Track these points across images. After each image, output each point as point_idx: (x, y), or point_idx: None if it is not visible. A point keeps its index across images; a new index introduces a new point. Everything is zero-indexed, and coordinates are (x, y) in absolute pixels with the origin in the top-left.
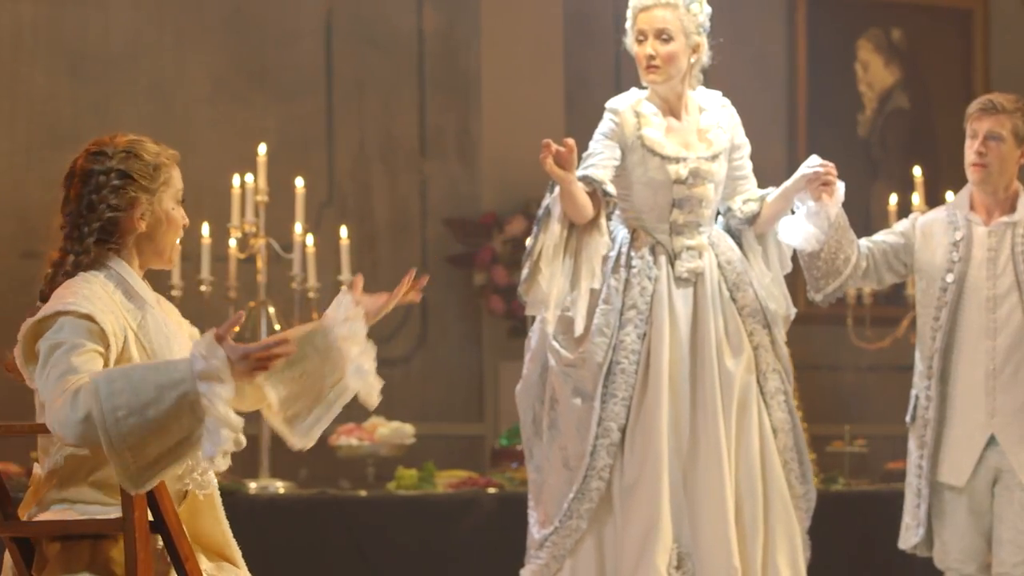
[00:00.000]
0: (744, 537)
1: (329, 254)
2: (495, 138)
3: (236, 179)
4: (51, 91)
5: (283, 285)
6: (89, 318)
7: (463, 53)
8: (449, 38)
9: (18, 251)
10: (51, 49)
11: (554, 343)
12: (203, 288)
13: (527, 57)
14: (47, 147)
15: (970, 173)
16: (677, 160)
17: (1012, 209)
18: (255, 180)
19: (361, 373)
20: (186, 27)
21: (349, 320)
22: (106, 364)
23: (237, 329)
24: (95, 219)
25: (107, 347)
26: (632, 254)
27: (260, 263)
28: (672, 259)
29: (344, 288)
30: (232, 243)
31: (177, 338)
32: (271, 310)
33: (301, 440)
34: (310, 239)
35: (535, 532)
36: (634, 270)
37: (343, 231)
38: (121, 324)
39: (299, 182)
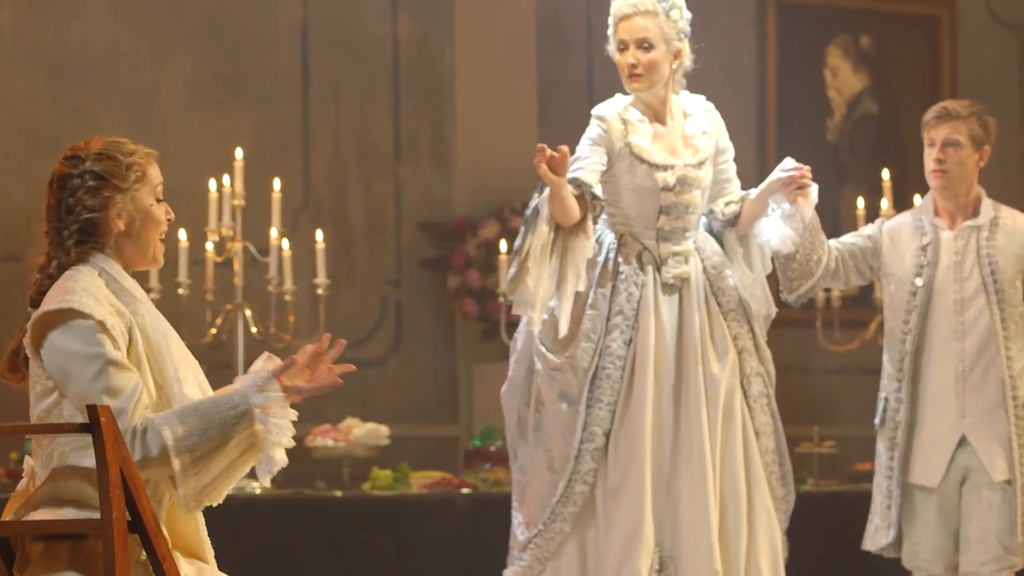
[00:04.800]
0: (727, 540)
1: (305, 257)
2: (469, 143)
3: (213, 183)
4: (31, 97)
5: (260, 288)
6: (101, 324)
7: (437, 59)
8: (423, 45)
9: None
10: (31, 56)
11: (540, 347)
12: (180, 291)
13: (501, 63)
14: (27, 152)
15: (931, 180)
16: (665, 167)
17: (975, 213)
18: (232, 184)
19: (270, 463)
20: (164, 34)
21: (271, 412)
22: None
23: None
24: (73, 221)
25: (121, 345)
26: (619, 260)
27: (237, 266)
28: (658, 265)
29: (270, 365)
30: (209, 246)
31: (173, 338)
32: (248, 312)
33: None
34: (286, 243)
35: (519, 534)
36: (621, 276)
37: (319, 235)
38: (126, 320)
39: (276, 186)
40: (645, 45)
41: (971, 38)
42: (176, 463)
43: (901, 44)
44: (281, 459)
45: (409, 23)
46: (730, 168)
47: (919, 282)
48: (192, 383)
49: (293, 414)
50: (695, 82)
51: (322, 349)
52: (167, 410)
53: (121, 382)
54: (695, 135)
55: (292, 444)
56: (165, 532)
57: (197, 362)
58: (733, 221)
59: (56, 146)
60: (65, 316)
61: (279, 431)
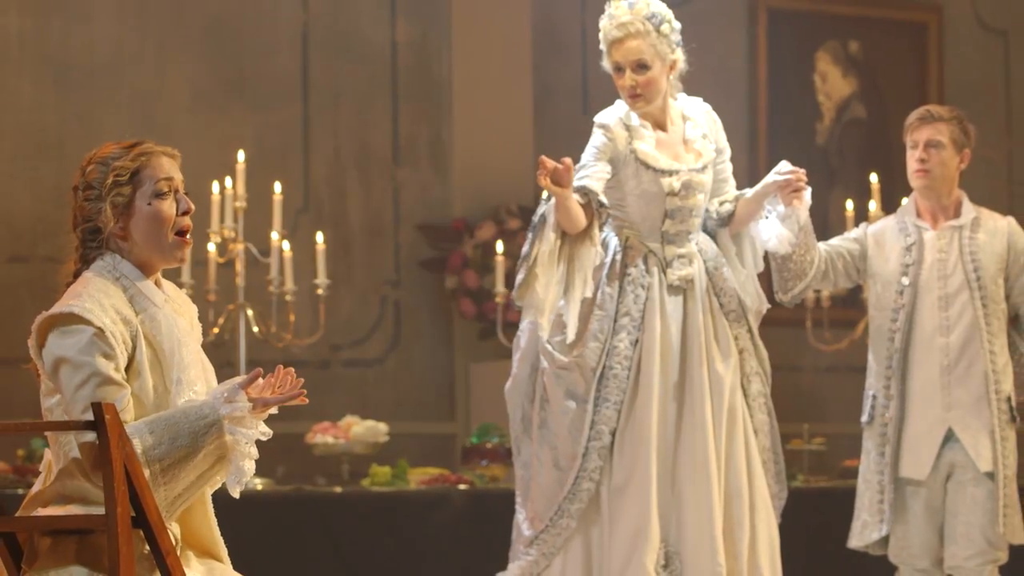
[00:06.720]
0: (732, 536)
1: (305, 258)
2: (466, 146)
3: (215, 186)
4: (37, 101)
5: (261, 288)
6: (100, 332)
7: (435, 64)
8: (421, 50)
9: (4, 256)
10: (37, 60)
11: (547, 346)
12: (183, 291)
13: (497, 67)
14: (33, 156)
15: (913, 180)
16: (670, 173)
17: (957, 214)
18: (234, 187)
19: (239, 474)
20: (167, 39)
21: (241, 423)
22: (117, 371)
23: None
24: (80, 230)
25: (117, 355)
26: (626, 263)
27: (239, 267)
28: (664, 267)
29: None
30: (211, 248)
31: (187, 343)
32: (249, 312)
33: (166, 517)
34: (287, 244)
35: (524, 530)
36: (628, 278)
37: (319, 236)
38: (132, 327)
39: (276, 189)
40: (641, 66)
41: (958, 43)
42: (146, 472)
43: (889, 49)
44: (250, 470)
45: (407, 28)
46: (727, 168)
47: (905, 281)
48: (200, 389)
49: (264, 429)
50: (687, 87)
51: (277, 375)
52: (139, 420)
53: (102, 395)
54: (696, 139)
55: (255, 456)
56: (176, 530)
57: (212, 367)
58: (727, 220)
59: (61, 149)
60: (66, 320)
61: (248, 442)
